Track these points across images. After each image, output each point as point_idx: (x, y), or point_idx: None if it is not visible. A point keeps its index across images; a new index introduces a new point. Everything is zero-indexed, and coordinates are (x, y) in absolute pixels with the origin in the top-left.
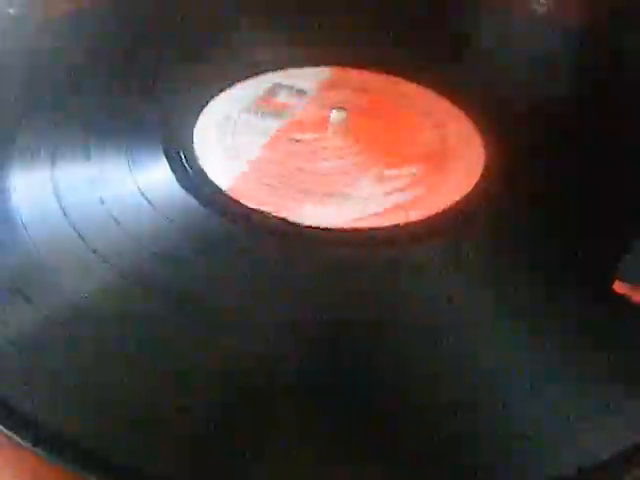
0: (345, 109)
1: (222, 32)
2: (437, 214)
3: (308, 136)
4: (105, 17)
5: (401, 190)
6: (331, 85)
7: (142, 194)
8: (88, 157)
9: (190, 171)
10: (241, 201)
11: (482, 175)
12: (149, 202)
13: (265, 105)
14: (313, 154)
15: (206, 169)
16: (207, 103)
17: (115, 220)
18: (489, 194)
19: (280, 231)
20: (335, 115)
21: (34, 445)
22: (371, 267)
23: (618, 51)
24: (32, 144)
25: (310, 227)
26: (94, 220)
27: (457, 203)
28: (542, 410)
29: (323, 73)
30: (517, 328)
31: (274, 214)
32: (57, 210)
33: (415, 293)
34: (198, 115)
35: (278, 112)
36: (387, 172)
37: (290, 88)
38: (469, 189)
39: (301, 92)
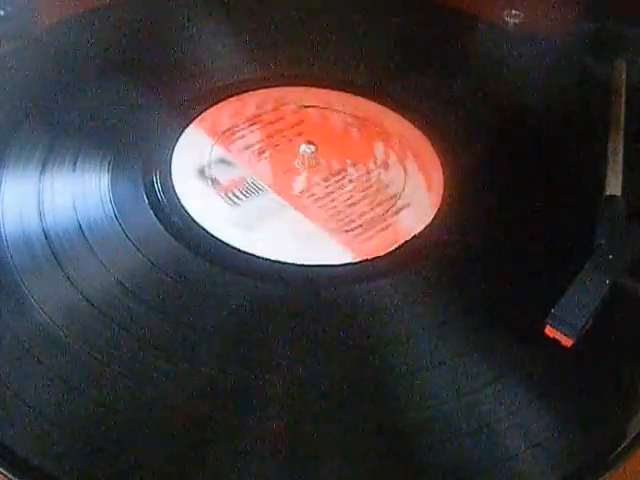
0: (314, 143)
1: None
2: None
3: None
4: (103, 21)
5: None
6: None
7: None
8: (73, 170)
9: (165, 200)
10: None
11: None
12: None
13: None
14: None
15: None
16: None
17: (90, 247)
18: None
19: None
20: (304, 148)
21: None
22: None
23: (586, 68)
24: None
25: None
26: (72, 244)
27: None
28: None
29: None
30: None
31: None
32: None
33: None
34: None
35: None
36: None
37: None
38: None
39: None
